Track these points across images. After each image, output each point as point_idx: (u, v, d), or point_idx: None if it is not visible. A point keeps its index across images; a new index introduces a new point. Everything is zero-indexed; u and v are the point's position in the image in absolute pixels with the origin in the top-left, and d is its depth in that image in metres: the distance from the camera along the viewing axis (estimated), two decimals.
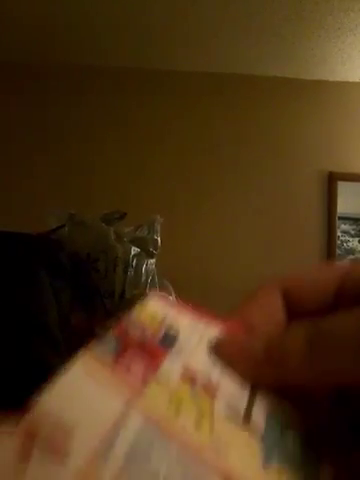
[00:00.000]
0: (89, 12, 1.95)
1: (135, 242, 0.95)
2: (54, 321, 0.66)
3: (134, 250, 0.94)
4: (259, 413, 0.18)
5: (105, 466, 0.13)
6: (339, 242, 2.29)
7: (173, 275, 1.15)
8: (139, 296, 0.91)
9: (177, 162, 2.32)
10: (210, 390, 0.18)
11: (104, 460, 0.13)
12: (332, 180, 2.34)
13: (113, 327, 0.19)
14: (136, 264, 0.92)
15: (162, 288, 0.98)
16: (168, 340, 0.20)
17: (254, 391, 0.19)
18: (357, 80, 2.37)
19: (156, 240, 0.99)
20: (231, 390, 0.19)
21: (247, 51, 2.19)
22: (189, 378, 0.18)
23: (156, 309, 0.22)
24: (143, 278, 0.93)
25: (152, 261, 0.99)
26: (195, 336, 0.21)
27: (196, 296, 2.35)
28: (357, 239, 2.31)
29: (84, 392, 0.16)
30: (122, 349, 0.18)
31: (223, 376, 0.19)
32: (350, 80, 2.37)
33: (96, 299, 0.86)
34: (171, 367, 0.18)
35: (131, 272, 0.91)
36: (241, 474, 0.16)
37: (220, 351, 0.19)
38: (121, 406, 0.16)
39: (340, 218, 2.32)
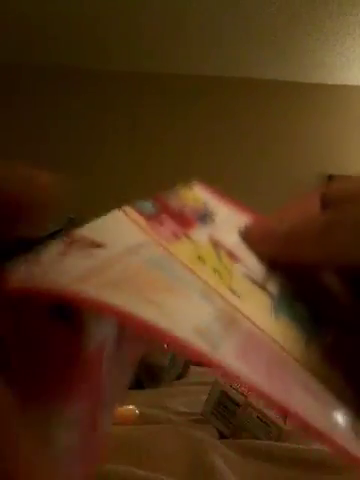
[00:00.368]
0: (88, 16, 1.96)
1: None
2: None
3: None
4: (273, 285, 0.20)
5: (129, 259, 0.15)
6: None
7: None
8: None
9: (176, 165, 2.32)
10: (232, 257, 0.20)
11: (128, 256, 0.15)
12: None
13: (153, 197, 0.21)
14: None
15: None
16: (204, 218, 0.22)
17: (272, 270, 0.20)
18: (356, 83, 2.37)
19: None
20: (251, 265, 0.20)
21: (246, 55, 2.20)
22: (215, 244, 0.20)
23: (199, 193, 0.24)
24: None
25: None
26: (230, 223, 0.23)
27: None
28: None
29: (119, 227, 0.17)
30: (158, 212, 0.20)
31: (247, 255, 0.21)
32: (349, 83, 2.37)
33: None
34: (201, 233, 0.20)
35: None
36: (253, 316, 0.17)
37: (246, 232, 0.21)
38: (149, 240, 0.18)
39: None
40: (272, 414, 0.60)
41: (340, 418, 0.14)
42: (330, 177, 2.34)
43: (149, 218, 0.19)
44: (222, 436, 0.62)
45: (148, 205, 0.20)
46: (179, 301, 0.14)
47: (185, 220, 0.21)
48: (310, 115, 2.38)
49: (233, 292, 0.18)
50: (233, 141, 2.36)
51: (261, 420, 0.60)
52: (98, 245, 0.15)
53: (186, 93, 2.40)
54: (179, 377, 1.01)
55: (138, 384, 0.86)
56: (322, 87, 2.39)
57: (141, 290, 0.13)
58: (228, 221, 0.23)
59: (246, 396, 0.62)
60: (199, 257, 0.18)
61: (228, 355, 0.12)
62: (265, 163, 2.34)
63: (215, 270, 0.18)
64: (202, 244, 0.19)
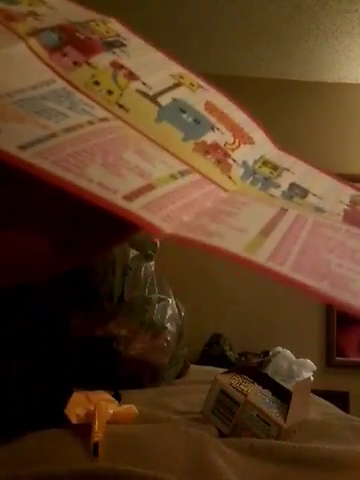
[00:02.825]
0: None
1: (134, 245, 0.95)
2: (53, 325, 0.66)
3: (133, 253, 0.94)
4: (166, 98, 0.23)
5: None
6: None
7: (172, 276, 1.15)
8: (139, 298, 0.91)
9: None
10: (131, 77, 0.22)
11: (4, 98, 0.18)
12: None
13: (58, 27, 0.22)
14: (135, 267, 0.93)
15: (161, 289, 0.98)
16: (112, 44, 0.24)
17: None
18: (354, 81, 2.37)
19: (155, 243, 1.00)
20: (151, 82, 0.23)
21: (244, 53, 2.19)
22: (117, 65, 0.22)
23: (115, 26, 0.26)
24: (142, 280, 0.93)
25: (151, 263, 0.99)
26: (142, 49, 0.25)
27: (194, 296, 2.32)
28: None
29: (21, 62, 0.19)
30: (63, 43, 0.22)
31: (151, 74, 0.23)
32: (347, 81, 2.37)
33: (95, 301, 0.86)
34: (104, 57, 0.22)
35: (130, 274, 0.91)
36: (135, 123, 0.20)
37: None
38: (50, 76, 0.20)
39: None
40: (272, 413, 0.60)
41: None
42: None
43: (52, 50, 0.21)
44: (222, 435, 0.62)
45: (54, 37, 0.22)
46: (20, 126, 0.16)
47: (90, 47, 0.22)
48: (308, 113, 2.38)
49: (120, 106, 0.21)
50: None
51: (260, 419, 0.60)
52: None
53: None
54: (179, 376, 1.01)
55: (138, 383, 0.87)
56: (321, 85, 2.39)
57: None
58: (141, 48, 0.25)
59: (246, 395, 0.62)
60: (95, 81, 0.21)
61: (40, 156, 0.15)
62: None
63: (108, 91, 0.21)
64: (101, 68, 0.22)
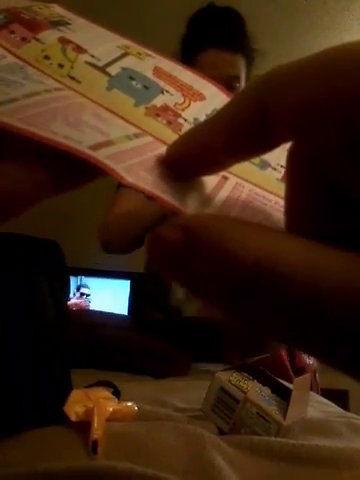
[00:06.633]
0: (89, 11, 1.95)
1: None
2: (52, 323, 0.66)
3: None
4: (115, 68, 0.24)
5: None
6: None
7: None
8: None
9: None
10: (79, 50, 0.23)
11: None
12: None
13: (2, 10, 0.23)
14: None
15: None
16: (57, 24, 0.25)
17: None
18: None
19: None
20: (98, 54, 0.24)
21: None
22: (64, 41, 0.23)
23: (58, 10, 0.26)
24: None
25: None
26: (86, 27, 0.26)
27: None
28: None
29: None
30: (9, 21, 0.22)
31: (97, 46, 0.24)
32: None
33: None
34: (51, 34, 0.23)
35: None
36: (86, 91, 0.21)
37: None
38: (0, 52, 0.20)
39: None
40: (271, 410, 0.60)
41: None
42: None
43: (0, 28, 0.22)
44: (221, 432, 0.62)
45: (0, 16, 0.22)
46: None
47: (36, 25, 0.23)
48: None
49: (72, 78, 0.21)
50: None
51: (260, 416, 0.59)
52: None
53: None
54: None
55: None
56: None
57: None
58: (85, 25, 0.26)
59: (245, 392, 0.62)
60: (45, 56, 0.22)
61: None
62: None
63: (59, 64, 0.22)
64: (50, 43, 0.23)
